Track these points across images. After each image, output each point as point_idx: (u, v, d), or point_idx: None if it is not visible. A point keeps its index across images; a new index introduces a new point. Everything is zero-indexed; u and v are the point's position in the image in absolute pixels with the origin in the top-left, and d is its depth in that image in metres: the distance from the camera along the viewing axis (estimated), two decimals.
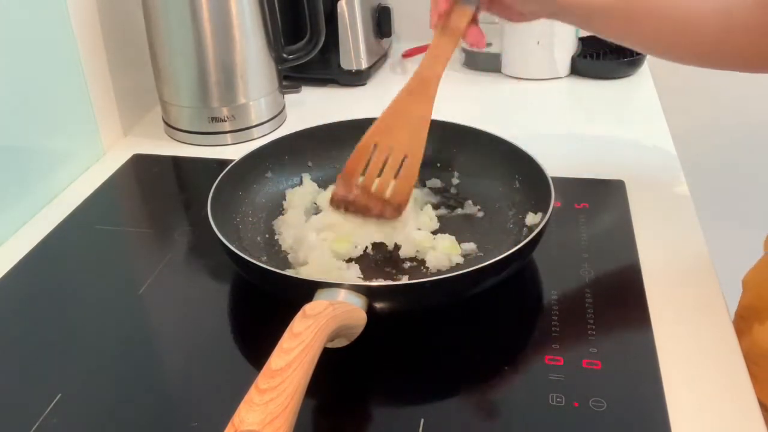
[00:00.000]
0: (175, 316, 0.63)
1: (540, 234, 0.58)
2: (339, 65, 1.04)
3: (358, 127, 0.78)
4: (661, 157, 0.84)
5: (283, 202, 0.73)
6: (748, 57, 0.62)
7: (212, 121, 0.90)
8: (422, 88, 0.65)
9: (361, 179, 0.67)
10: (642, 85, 1.04)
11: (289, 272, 0.61)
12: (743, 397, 0.52)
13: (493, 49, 1.08)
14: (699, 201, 0.76)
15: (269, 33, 0.90)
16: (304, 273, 0.61)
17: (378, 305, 0.53)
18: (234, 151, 0.86)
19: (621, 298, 0.62)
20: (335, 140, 0.77)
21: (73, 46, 0.82)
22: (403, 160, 0.66)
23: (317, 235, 0.65)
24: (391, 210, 0.67)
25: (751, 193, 1.39)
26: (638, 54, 1.06)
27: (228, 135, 0.91)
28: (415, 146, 0.65)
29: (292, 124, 0.95)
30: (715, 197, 1.24)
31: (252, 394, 0.40)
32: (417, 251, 0.65)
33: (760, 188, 1.38)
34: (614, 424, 0.49)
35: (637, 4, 0.62)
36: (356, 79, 1.06)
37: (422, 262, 0.64)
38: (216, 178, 0.66)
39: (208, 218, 0.61)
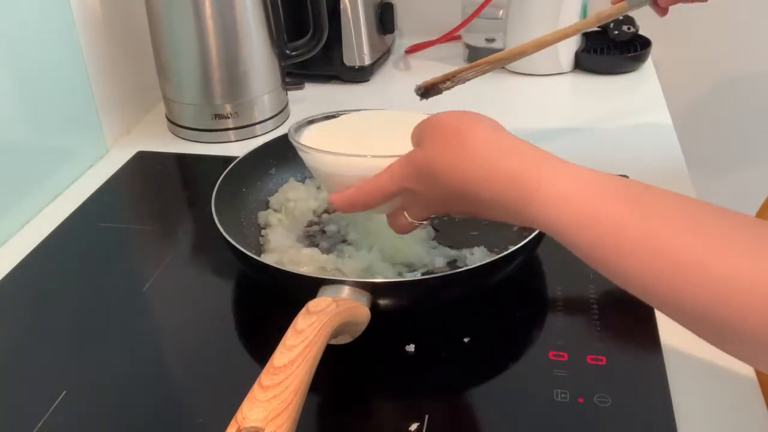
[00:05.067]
0: (179, 313, 0.63)
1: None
2: (342, 61, 1.04)
3: None
4: (665, 151, 0.84)
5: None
6: None
7: (215, 118, 0.89)
8: None
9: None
10: (646, 80, 1.04)
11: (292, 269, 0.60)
12: (748, 389, 0.51)
13: (496, 45, 1.08)
14: (703, 195, 0.75)
15: (272, 30, 0.90)
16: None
17: (381, 302, 0.53)
18: (237, 148, 0.86)
19: (625, 294, 0.61)
20: None
21: (75, 44, 0.82)
22: None
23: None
24: None
25: (757, 189, 1.38)
26: (642, 49, 1.06)
27: (231, 132, 0.91)
28: None
29: (296, 121, 0.95)
30: (720, 191, 1.23)
31: (255, 391, 0.40)
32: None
33: (766, 183, 1.38)
34: (619, 419, 0.49)
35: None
36: (359, 75, 1.05)
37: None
38: (220, 175, 0.66)
39: (211, 215, 0.61)
